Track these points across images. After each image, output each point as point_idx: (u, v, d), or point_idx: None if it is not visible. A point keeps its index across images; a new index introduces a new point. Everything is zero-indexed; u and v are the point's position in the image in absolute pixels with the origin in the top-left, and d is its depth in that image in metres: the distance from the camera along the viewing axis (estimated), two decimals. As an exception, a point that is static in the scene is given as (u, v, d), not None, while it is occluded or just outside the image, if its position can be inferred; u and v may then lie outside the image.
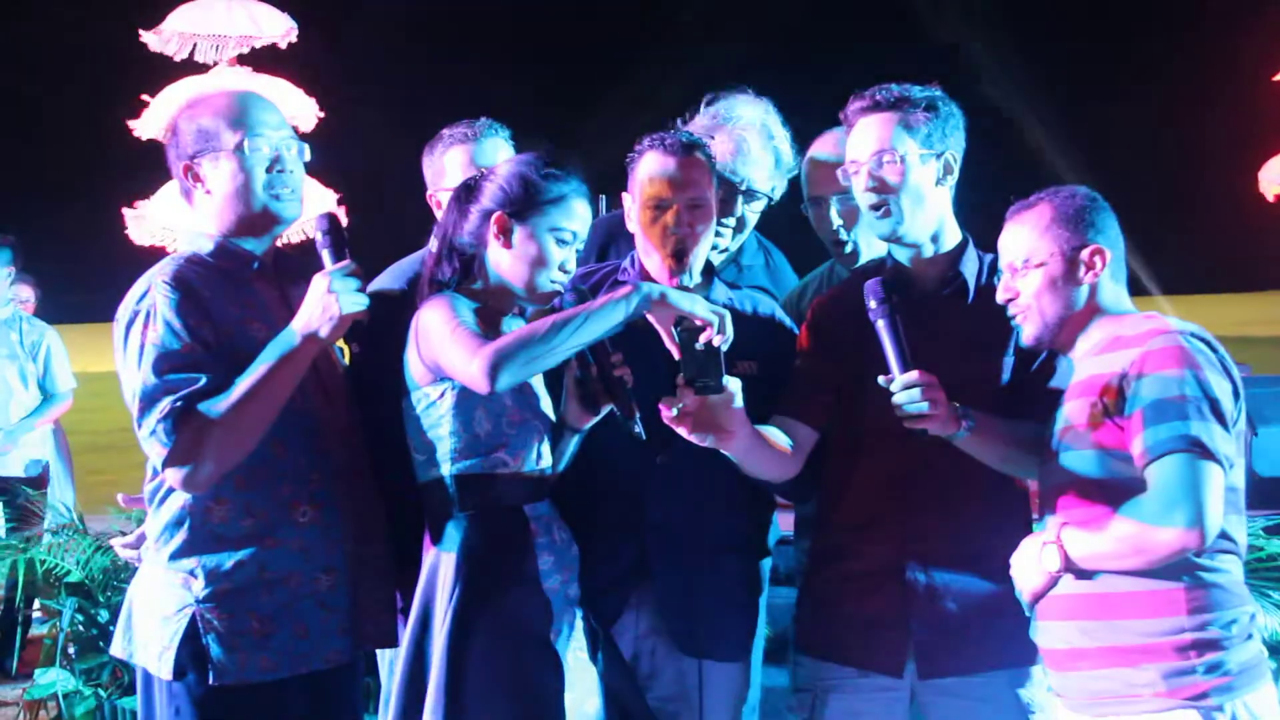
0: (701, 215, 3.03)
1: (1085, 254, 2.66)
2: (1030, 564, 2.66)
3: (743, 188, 3.44)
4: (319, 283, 2.67)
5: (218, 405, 2.60)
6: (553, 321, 2.62)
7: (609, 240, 3.69)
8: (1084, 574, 2.59)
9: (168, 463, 2.63)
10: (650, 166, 3.04)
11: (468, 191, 2.91)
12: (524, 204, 2.82)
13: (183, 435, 2.60)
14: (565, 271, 2.85)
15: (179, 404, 2.60)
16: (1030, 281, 2.68)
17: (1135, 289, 2.76)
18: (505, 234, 2.83)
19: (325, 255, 2.73)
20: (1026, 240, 2.69)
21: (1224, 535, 2.54)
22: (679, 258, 3.01)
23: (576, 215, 2.85)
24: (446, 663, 2.69)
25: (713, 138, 3.27)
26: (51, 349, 6.86)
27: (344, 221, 2.85)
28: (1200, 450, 2.46)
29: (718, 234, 3.27)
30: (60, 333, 7.01)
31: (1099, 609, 2.59)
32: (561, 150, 2.90)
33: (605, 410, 2.87)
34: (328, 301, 2.64)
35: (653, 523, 3.01)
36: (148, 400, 2.62)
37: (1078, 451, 2.62)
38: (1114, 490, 2.55)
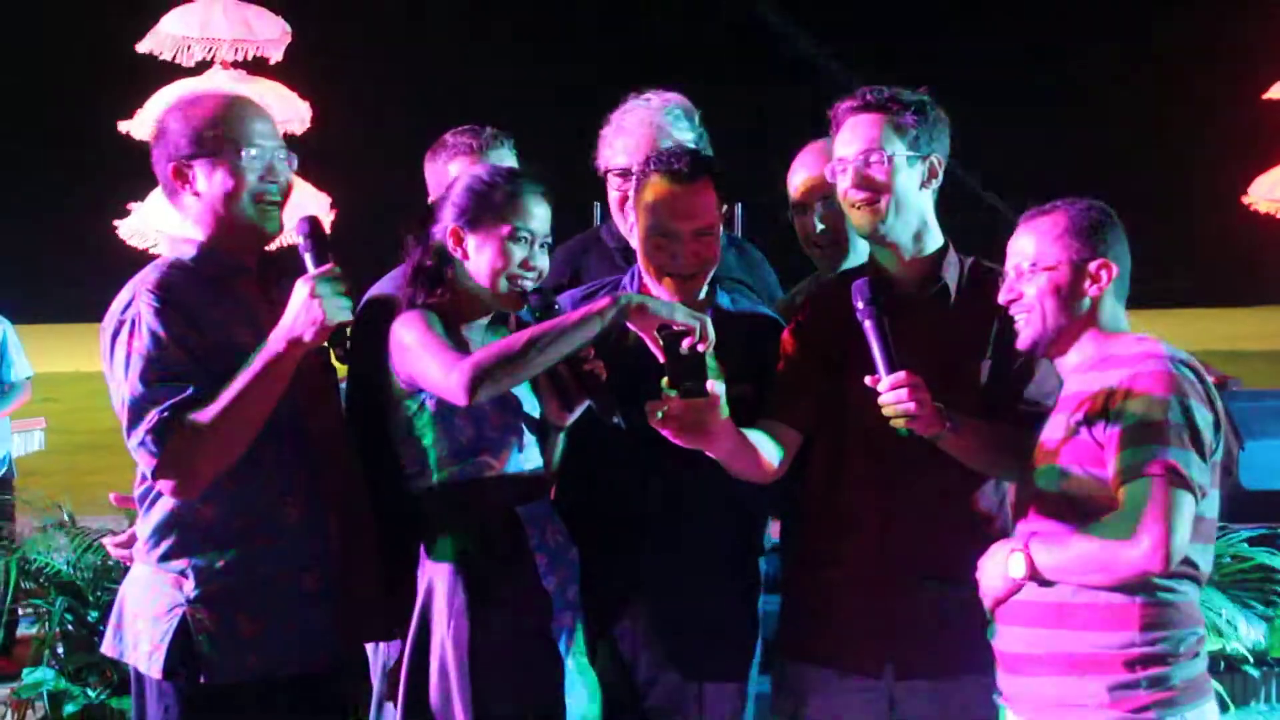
0: (709, 243, 3.04)
1: (1093, 266, 2.67)
2: (996, 569, 2.68)
3: None
4: (301, 288, 2.65)
5: (205, 414, 2.60)
6: (530, 335, 2.65)
7: (582, 259, 3.61)
8: (1046, 582, 2.61)
9: (157, 473, 2.63)
10: (655, 193, 3.02)
11: (424, 217, 2.95)
12: (474, 212, 2.85)
13: (171, 445, 2.60)
14: (530, 269, 2.86)
15: (166, 414, 2.60)
16: (1035, 285, 2.69)
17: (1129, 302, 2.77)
18: (462, 245, 2.86)
19: (307, 259, 2.72)
20: (1038, 245, 2.70)
21: (1187, 561, 2.55)
22: (685, 283, 3.01)
23: (528, 212, 2.86)
24: (456, 667, 2.74)
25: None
26: (8, 338, 6.81)
27: (326, 225, 2.85)
28: (1175, 476, 2.47)
29: None
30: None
31: (1055, 617, 2.61)
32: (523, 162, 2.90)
33: (583, 407, 2.91)
34: (311, 306, 2.62)
35: (648, 546, 3.02)
36: (135, 411, 2.62)
37: (1055, 465, 2.64)
38: (1085, 508, 2.57)
